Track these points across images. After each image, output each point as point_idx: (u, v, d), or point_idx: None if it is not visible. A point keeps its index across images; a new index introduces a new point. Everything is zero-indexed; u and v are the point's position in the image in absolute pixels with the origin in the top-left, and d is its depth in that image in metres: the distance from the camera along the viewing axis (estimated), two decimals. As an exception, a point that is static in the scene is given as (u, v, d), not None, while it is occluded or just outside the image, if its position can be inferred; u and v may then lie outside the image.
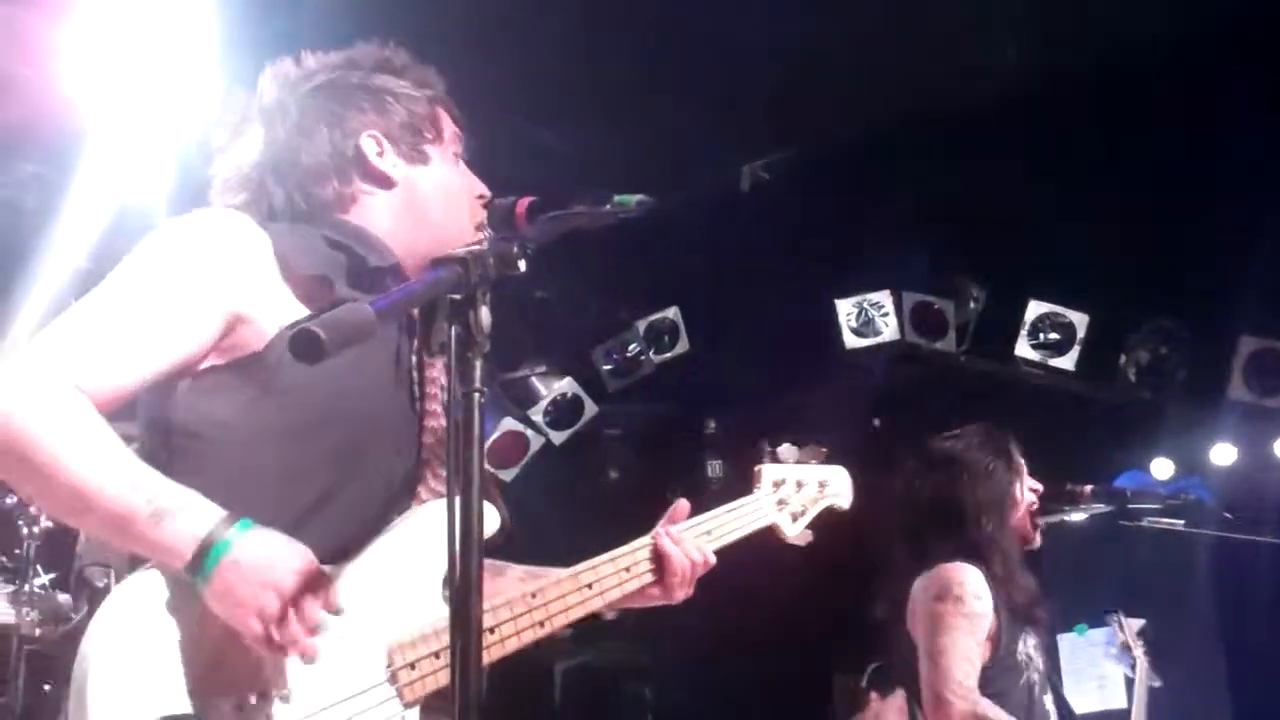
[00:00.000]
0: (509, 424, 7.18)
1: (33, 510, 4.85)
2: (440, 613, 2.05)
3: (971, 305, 7.16)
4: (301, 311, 2.05)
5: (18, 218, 5.56)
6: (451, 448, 1.69)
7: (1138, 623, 4.33)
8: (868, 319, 7.13)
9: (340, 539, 2.06)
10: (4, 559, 5.06)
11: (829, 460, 2.89)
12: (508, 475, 7.09)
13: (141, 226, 2.22)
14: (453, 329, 1.72)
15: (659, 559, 2.42)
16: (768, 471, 2.76)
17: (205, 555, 1.87)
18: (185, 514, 1.89)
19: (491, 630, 2.11)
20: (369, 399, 2.14)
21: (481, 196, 2.35)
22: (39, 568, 4.95)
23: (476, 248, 1.84)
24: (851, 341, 7.17)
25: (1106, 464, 6.87)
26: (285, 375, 2.03)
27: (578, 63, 5.26)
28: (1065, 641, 4.04)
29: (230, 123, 2.31)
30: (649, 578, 2.41)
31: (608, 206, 2.03)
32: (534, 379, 7.12)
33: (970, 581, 3.64)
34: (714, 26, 5.17)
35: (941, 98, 5.72)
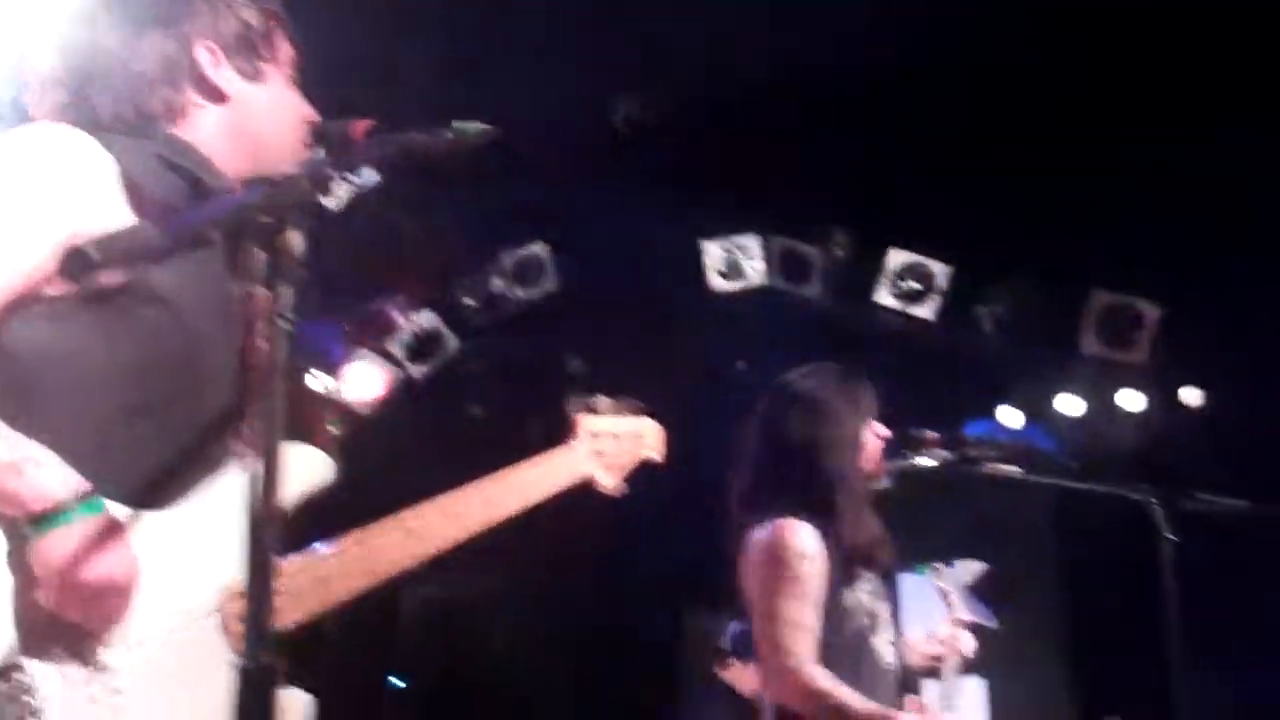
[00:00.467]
0: (365, 355, 7.03)
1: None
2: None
3: (838, 252, 7.22)
4: None
5: None
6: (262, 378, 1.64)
7: (979, 565, 4.39)
8: (734, 262, 7.15)
9: (161, 471, 2.00)
10: None
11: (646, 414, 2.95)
12: (365, 409, 6.96)
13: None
14: (262, 254, 1.65)
15: None
16: (586, 422, 2.78)
17: (46, 518, 1.83)
18: (47, 469, 1.85)
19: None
20: (198, 330, 2.05)
21: (312, 121, 2.28)
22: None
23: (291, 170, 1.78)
24: (718, 284, 7.19)
25: (960, 412, 7.01)
26: (118, 304, 1.95)
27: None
28: (908, 581, 4.10)
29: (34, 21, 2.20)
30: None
31: (448, 134, 1.97)
32: (393, 311, 6.98)
33: (798, 542, 3.59)
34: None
35: (815, 53, 5.70)
